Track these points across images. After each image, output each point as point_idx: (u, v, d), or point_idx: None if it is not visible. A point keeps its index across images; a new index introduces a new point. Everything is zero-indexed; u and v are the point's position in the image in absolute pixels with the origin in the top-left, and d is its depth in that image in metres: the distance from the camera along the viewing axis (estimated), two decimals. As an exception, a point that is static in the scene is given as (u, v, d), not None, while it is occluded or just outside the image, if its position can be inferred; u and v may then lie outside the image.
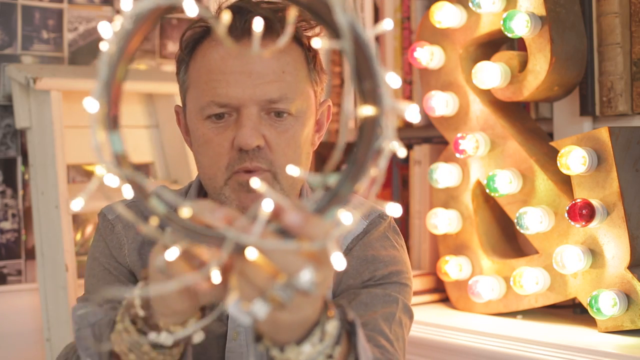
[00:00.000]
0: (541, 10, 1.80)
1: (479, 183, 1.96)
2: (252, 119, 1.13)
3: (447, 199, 2.02)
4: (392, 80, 0.75)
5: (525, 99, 1.88)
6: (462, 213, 2.00)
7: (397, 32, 2.27)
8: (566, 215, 1.70)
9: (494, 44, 2.01)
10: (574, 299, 1.81)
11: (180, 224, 0.78)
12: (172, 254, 0.80)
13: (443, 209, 2.00)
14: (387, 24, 0.77)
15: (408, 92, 2.26)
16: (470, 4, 1.88)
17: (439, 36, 2.01)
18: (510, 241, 2.03)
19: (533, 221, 1.78)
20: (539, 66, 1.81)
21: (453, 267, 1.98)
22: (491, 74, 1.86)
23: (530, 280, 1.81)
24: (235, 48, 0.78)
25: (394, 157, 2.26)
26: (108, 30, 0.76)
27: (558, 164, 1.74)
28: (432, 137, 2.24)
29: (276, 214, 0.76)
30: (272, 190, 0.76)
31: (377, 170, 0.76)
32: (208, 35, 1.18)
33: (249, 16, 1.12)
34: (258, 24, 0.77)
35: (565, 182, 1.80)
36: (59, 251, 2.04)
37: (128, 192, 0.77)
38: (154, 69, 2.42)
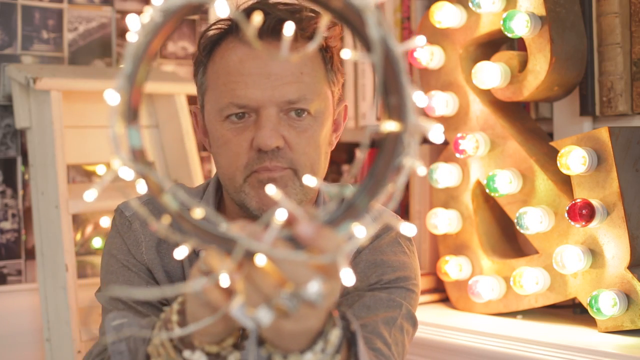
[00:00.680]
0: (541, 10, 1.80)
1: (479, 183, 1.96)
2: (271, 119, 1.13)
3: (447, 199, 2.02)
4: (418, 98, 0.75)
5: (525, 99, 1.88)
6: (462, 213, 1.99)
7: (396, 32, 2.27)
8: (566, 215, 1.70)
9: (493, 44, 2.00)
10: (574, 299, 1.80)
11: (192, 223, 0.77)
12: (210, 281, 0.79)
13: (443, 209, 2.00)
14: (420, 41, 0.77)
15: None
16: (470, 4, 1.88)
17: (438, 36, 2.01)
18: (510, 241, 2.03)
19: (533, 221, 1.78)
20: (539, 66, 1.81)
21: (453, 267, 1.98)
22: (491, 74, 1.86)
23: (530, 280, 1.81)
24: (263, 50, 0.78)
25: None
26: (136, 23, 0.76)
27: (558, 164, 1.74)
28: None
29: (289, 222, 0.76)
30: (287, 199, 0.76)
31: (395, 187, 0.75)
32: (226, 37, 1.18)
33: (267, 18, 1.12)
34: (289, 29, 0.76)
35: (565, 182, 1.80)
36: (59, 251, 2.04)
37: (142, 188, 0.77)
38: (154, 69, 2.42)
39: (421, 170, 0.75)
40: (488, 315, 1.92)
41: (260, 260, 0.75)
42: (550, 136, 2.00)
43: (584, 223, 1.69)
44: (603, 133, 1.70)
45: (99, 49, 2.35)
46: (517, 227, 1.82)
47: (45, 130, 2.06)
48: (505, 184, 1.85)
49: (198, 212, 0.77)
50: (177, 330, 0.88)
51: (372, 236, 1.22)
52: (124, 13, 2.38)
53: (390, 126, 0.75)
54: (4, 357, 2.15)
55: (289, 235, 0.76)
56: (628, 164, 1.71)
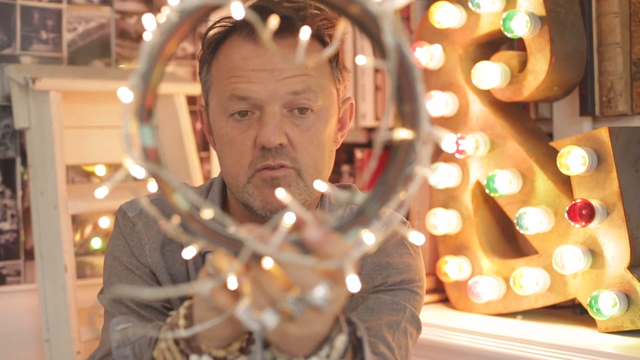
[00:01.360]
0: (541, 10, 1.80)
1: (478, 183, 1.96)
2: (274, 117, 1.12)
3: (447, 199, 2.02)
4: (432, 106, 0.75)
5: (525, 99, 1.88)
6: (462, 213, 1.99)
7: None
8: (566, 215, 1.70)
9: (493, 44, 2.00)
10: (573, 300, 1.80)
11: (201, 224, 0.77)
12: (218, 284, 0.79)
13: (443, 209, 2.00)
14: (436, 49, 0.77)
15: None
16: (469, 4, 1.88)
17: (438, 36, 2.01)
18: (510, 241, 2.03)
19: (533, 221, 1.78)
20: (539, 66, 1.81)
21: (453, 268, 1.98)
22: (491, 74, 1.86)
23: (530, 281, 1.81)
24: (277, 52, 0.77)
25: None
26: (152, 22, 0.76)
27: (558, 164, 1.74)
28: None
29: (298, 226, 0.76)
30: (297, 201, 0.75)
31: (406, 195, 0.75)
32: (230, 35, 1.17)
33: (271, 15, 1.12)
34: (305, 33, 0.76)
35: (565, 183, 1.80)
36: (58, 252, 2.03)
37: (153, 187, 0.76)
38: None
39: (433, 180, 0.76)
40: (488, 316, 1.92)
41: (268, 263, 0.75)
42: (550, 136, 2.00)
43: (583, 223, 1.69)
44: (603, 133, 1.69)
45: (98, 50, 2.34)
46: (517, 228, 1.81)
47: (45, 130, 2.06)
48: (505, 184, 1.84)
49: (207, 213, 0.77)
50: (183, 331, 0.87)
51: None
52: (123, 13, 2.38)
53: (403, 134, 0.75)
54: (3, 357, 2.15)
55: (298, 239, 0.76)
56: (628, 164, 1.70)
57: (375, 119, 2.35)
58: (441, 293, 2.10)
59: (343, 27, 0.77)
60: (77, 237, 2.28)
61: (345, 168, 2.52)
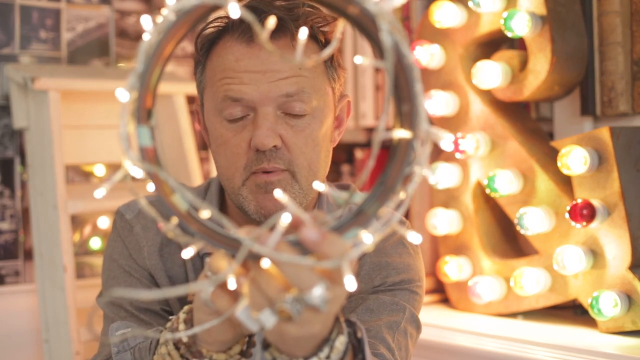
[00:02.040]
0: (542, 10, 1.79)
1: (479, 183, 1.96)
2: (268, 118, 1.12)
3: (447, 199, 2.01)
4: (430, 106, 0.75)
5: (526, 99, 1.88)
6: (463, 213, 1.99)
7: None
8: (567, 215, 1.70)
9: (494, 44, 2.00)
10: (574, 300, 1.80)
11: (199, 225, 0.77)
12: (218, 288, 0.79)
13: (443, 209, 2.00)
14: (435, 48, 0.77)
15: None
16: (470, 3, 1.88)
17: (438, 36, 2.00)
18: (510, 242, 2.02)
19: (533, 221, 1.78)
20: (540, 66, 1.81)
21: (453, 268, 1.97)
22: (491, 73, 1.85)
23: (531, 281, 1.80)
24: (277, 52, 0.77)
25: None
26: (149, 23, 0.76)
27: (559, 164, 1.73)
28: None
29: (295, 226, 0.75)
30: (293, 203, 0.75)
31: (405, 194, 0.75)
32: (223, 35, 1.17)
33: (263, 15, 1.11)
34: (302, 34, 0.76)
35: (565, 182, 1.79)
36: (57, 252, 2.03)
37: (151, 187, 0.76)
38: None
39: (432, 179, 0.75)
40: (488, 316, 1.92)
41: (265, 263, 0.74)
42: (551, 136, 2.00)
43: (584, 223, 1.68)
44: (604, 133, 1.69)
45: (97, 49, 2.34)
46: (518, 228, 1.81)
47: (44, 130, 2.05)
48: (506, 184, 1.84)
49: (205, 214, 0.76)
50: (182, 333, 0.87)
51: None
52: (122, 13, 2.38)
53: (401, 134, 0.74)
54: (2, 357, 2.15)
55: (296, 240, 0.75)
56: (629, 164, 1.70)
57: (375, 118, 2.34)
58: (441, 293, 2.09)
59: (341, 28, 0.77)
60: (76, 237, 2.27)
61: (345, 168, 2.51)
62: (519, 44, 2.02)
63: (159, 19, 0.76)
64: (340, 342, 0.83)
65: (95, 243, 2.31)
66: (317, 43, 1.18)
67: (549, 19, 1.79)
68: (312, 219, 0.76)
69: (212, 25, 1.18)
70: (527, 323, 1.85)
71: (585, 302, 1.73)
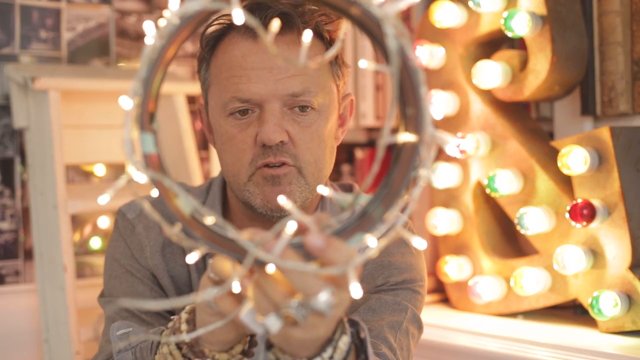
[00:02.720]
0: (542, 10, 1.79)
1: (479, 183, 1.95)
2: (275, 114, 1.12)
3: (448, 199, 2.01)
4: (435, 109, 0.74)
5: (526, 99, 1.88)
6: (463, 213, 1.99)
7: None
8: (567, 215, 1.69)
9: (494, 44, 2.00)
10: (574, 300, 1.80)
11: (204, 229, 0.77)
12: (222, 291, 0.79)
13: (443, 209, 2.00)
14: (439, 51, 0.77)
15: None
16: (470, 3, 1.88)
17: (439, 35, 2.00)
18: (510, 241, 2.02)
19: (534, 221, 1.78)
20: (540, 65, 1.81)
21: (453, 268, 1.97)
22: (491, 73, 1.85)
23: (531, 281, 1.80)
24: (281, 55, 0.77)
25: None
26: (152, 28, 0.75)
27: (559, 164, 1.73)
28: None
29: (300, 230, 0.75)
30: (298, 209, 0.75)
31: (410, 198, 0.75)
32: (228, 32, 1.17)
33: (269, 12, 1.11)
34: (307, 36, 0.76)
35: (566, 182, 1.79)
36: (58, 252, 2.03)
37: (155, 193, 0.76)
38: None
39: (436, 183, 0.76)
40: (488, 316, 1.92)
41: (271, 268, 0.74)
42: (551, 136, 2.00)
43: (585, 223, 1.68)
44: (604, 133, 1.69)
45: (98, 49, 2.34)
46: (518, 227, 1.81)
47: (44, 130, 2.05)
48: (506, 184, 1.84)
49: (210, 219, 0.76)
50: (185, 335, 0.87)
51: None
52: (122, 13, 2.38)
53: (406, 137, 0.74)
54: (2, 357, 2.14)
55: (300, 243, 0.75)
56: (629, 164, 1.70)
57: (376, 118, 2.34)
58: (441, 293, 2.09)
59: (345, 28, 0.77)
60: (77, 237, 2.27)
61: (345, 168, 2.51)
62: (519, 43, 2.02)
63: (162, 23, 0.76)
64: (344, 342, 0.83)
65: (96, 243, 2.31)
66: (322, 41, 1.18)
67: (549, 19, 1.78)
68: (315, 222, 0.76)
69: (217, 22, 1.18)
70: (527, 323, 1.85)
71: (586, 302, 1.73)
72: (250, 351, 0.92)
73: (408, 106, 0.74)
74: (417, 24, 2.11)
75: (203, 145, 2.49)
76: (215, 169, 2.42)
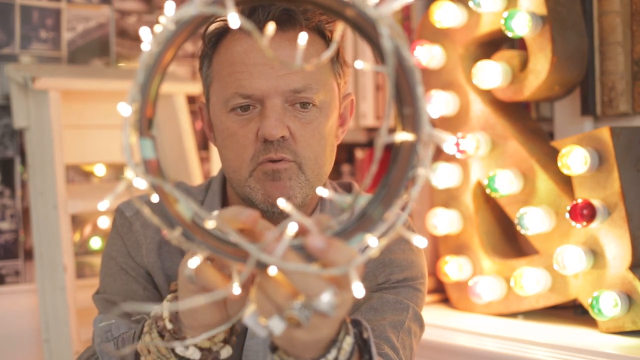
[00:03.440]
0: (542, 10, 1.79)
1: (479, 183, 1.95)
2: (276, 110, 1.12)
3: (448, 199, 2.01)
4: (432, 108, 0.74)
5: (526, 99, 1.88)
6: (463, 213, 1.99)
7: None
8: (567, 215, 1.69)
9: (494, 44, 2.00)
10: (574, 300, 1.80)
11: (204, 233, 0.77)
12: (202, 262, 0.79)
13: (443, 209, 2.00)
14: (437, 50, 0.77)
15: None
16: (470, 3, 1.88)
17: (439, 36, 2.00)
18: (510, 241, 2.02)
19: (534, 221, 1.78)
20: (540, 66, 1.81)
21: (453, 268, 1.97)
22: (492, 73, 1.85)
23: (531, 281, 1.80)
24: (276, 58, 0.77)
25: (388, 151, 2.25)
26: (148, 34, 0.76)
27: (559, 164, 1.73)
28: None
29: (300, 231, 0.75)
30: (298, 211, 0.75)
31: (408, 198, 0.75)
32: (231, 29, 1.17)
33: (271, 9, 1.11)
34: (302, 39, 0.76)
35: (566, 182, 1.79)
36: (58, 252, 2.03)
37: (155, 199, 0.76)
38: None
39: (435, 182, 0.76)
40: (489, 316, 1.92)
41: (273, 270, 0.74)
42: (551, 136, 2.00)
43: (585, 223, 1.68)
44: (604, 133, 1.69)
45: (98, 49, 2.34)
46: (518, 228, 1.81)
47: (44, 130, 2.05)
48: (506, 184, 1.84)
49: (211, 224, 0.76)
50: (167, 304, 0.87)
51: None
52: (122, 13, 2.38)
53: (404, 137, 0.74)
54: (2, 357, 2.15)
55: (300, 244, 0.75)
56: (629, 164, 1.70)
57: (375, 118, 2.34)
58: (442, 293, 2.09)
59: (341, 29, 0.77)
60: (77, 237, 2.27)
61: (345, 168, 2.51)
62: (519, 44, 2.02)
63: (158, 29, 0.76)
64: (347, 343, 0.83)
65: (96, 243, 2.31)
66: (324, 38, 1.18)
67: (550, 19, 1.78)
68: (316, 224, 0.76)
69: (219, 19, 1.18)
70: (527, 323, 1.85)
71: (586, 302, 1.73)
72: (232, 339, 0.92)
73: (405, 106, 0.74)
74: (417, 24, 2.11)
75: (203, 145, 2.49)
76: (215, 169, 2.42)
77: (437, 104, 1.97)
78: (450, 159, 1.98)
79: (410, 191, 0.75)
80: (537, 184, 1.83)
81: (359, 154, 2.44)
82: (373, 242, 0.75)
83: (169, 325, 0.90)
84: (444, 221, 1.98)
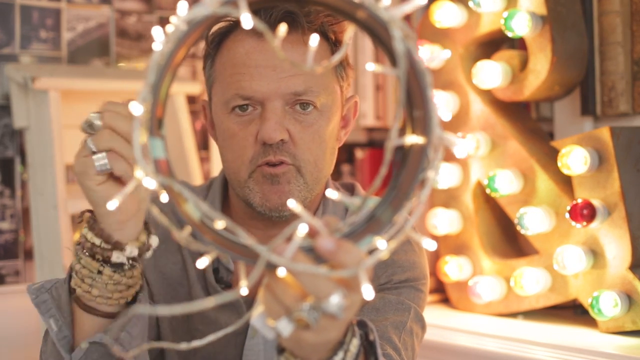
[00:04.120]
0: (542, 10, 1.79)
1: (479, 183, 1.95)
2: (276, 112, 1.12)
3: (448, 199, 2.01)
4: (443, 111, 0.74)
5: (526, 99, 1.88)
6: (463, 213, 1.99)
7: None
8: (567, 215, 1.69)
9: (494, 44, 2.00)
10: (574, 300, 1.80)
11: (213, 233, 0.77)
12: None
13: (443, 209, 2.00)
14: (445, 54, 0.77)
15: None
16: (470, 3, 1.88)
17: (439, 35, 2.00)
18: (510, 241, 2.02)
19: (534, 221, 1.78)
20: (540, 65, 1.80)
21: (453, 268, 1.97)
22: (492, 73, 1.85)
23: (531, 281, 1.80)
24: (286, 58, 0.77)
25: (394, 155, 2.25)
26: (160, 33, 0.76)
27: (559, 164, 1.73)
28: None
29: (310, 233, 0.75)
30: (307, 213, 0.75)
31: (418, 201, 0.75)
32: (234, 29, 1.17)
33: (274, 12, 1.11)
34: (314, 40, 0.76)
35: (566, 182, 1.79)
36: (58, 252, 2.03)
37: (165, 198, 0.77)
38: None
39: (440, 184, 0.76)
40: (489, 316, 1.92)
41: (281, 272, 0.74)
42: (551, 136, 2.00)
43: (585, 223, 1.68)
44: (604, 133, 1.69)
45: (98, 49, 2.34)
46: (518, 228, 1.81)
47: (44, 130, 2.05)
48: (506, 184, 1.84)
49: (220, 224, 0.76)
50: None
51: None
52: (122, 12, 2.38)
53: (414, 139, 0.74)
54: (2, 357, 2.15)
55: (310, 246, 0.75)
56: (629, 164, 1.70)
57: (376, 118, 2.34)
58: (442, 293, 2.09)
59: (351, 33, 0.77)
60: (77, 237, 2.27)
61: (345, 168, 2.51)
62: (519, 43, 2.02)
63: (170, 29, 0.76)
64: (354, 345, 0.83)
65: (96, 243, 2.31)
66: (327, 41, 1.18)
67: (549, 19, 1.78)
68: (324, 226, 0.76)
69: (222, 19, 1.18)
70: (527, 323, 1.85)
71: (586, 302, 1.73)
72: (150, 229, 0.99)
73: (415, 108, 0.74)
74: (417, 24, 2.11)
75: (203, 145, 2.49)
76: (216, 169, 2.42)
77: (445, 105, 1.97)
78: (451, 158, 1.98)
79: (419, 194, 0.75)
80: (537, 184, 1.83)
81: (359, 154, 2.44)
82: (382, 244, 0.75)
83: (97, 241, 0.96)
84: (444, 221, 1.98)
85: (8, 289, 2.17)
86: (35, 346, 2.15)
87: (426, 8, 2.03)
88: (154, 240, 0.98)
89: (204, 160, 2.49)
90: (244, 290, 0.76)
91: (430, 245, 0.77)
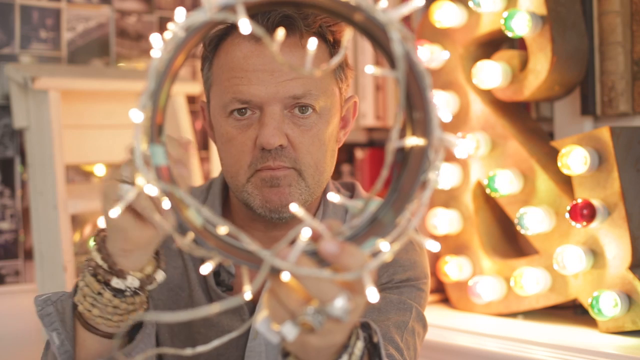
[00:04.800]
0: (542, 10, 1.79)
1: (479, 183, 1.95)
2: (274, 117, 1.12)
3: (448, 199, 2.01)
4: (443, 113, 0.74)
5: (526, 99, 1.88)
6: (463, 213, 1.99)
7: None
8: (567, 215, 1.69)
9: (494, 43, 2.00)
10: (574, 300, 1.80)
11: (216, 239, 0.77)
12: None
13: (443, 209, 2.00)
14: (444, 55, 0.77)
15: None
16: (470, 3, 1.87)
17: (439, 35, 2.00)
18: (510, 241, 2.02)
19: (534, 221, 1.78)
20: (540, 65, 1.80)
21: (453, 268, 1.97)
22: (492, 73, 1.85)
23: (531, 281, 1.80)
24: (285, 62, 0.77)
25: (395, 157, 2.25)
26: (158, 40, 0.75)
27: (559, 164, 1.73)
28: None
29: (313, 237, 0.75)
30: (310, 216, 0.75)
31: (419, 202, 0.75)
32: (231, 32, 1.16)
33: (272, 15, 1.11)
34: (312, 44, 0.76)
35: (566, 182, 1.79)
36: (58, 252, 2.03)
37: (167, 205, 0.77)
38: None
39: (442, 185, 0.76)
40: (489, 316, 1.92)
41: (285, 276, 0.74)
42: (551, 136, 2.00)
43: (585, 223, 1.68)
44: (604, 133, 1.69)
45: (98, 49, 2.34)
46: (518, 228, 1.81)
47: (44, 130, 2.05)
48: (506, 184, 1.84)
49: (223, 229, 0.76)
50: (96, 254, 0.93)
51: None
52: (122, 13, 2.38)
53: (414, 141, 0.74)
54: (2, 358, 2.15)
55: (313, 250, 0.75)
56: (629, 164, 1.70)
57: (376, 118, 2.34)
58: (442, 293, 2.09)
59: (349, 34, 0.76)
60: (77, 237, 2.27)
61: (345, 168, 2.51)
62: (519, 43, 2.02)
63: (168, 36, 0.76)
64: (358, 348, 0.83)
65: (96, 243, 2.31)
66: (325, 43, 1.17)
67: (549, 19, 1.78)
68: (327, 229, 0.76)
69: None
70: (527, 323, 1.85)
71: (586, 302, 1.73)
72: (160, 263, 0.98)
73: (415, 110, 0.74)
74: (417, 24, 2.11)
75: (203, 145, 2.49)
76: (215, 169, 2.42)
77: (445, 107, 1.97)
78: (451, 158, 1.98)
79: (420, 195, 0.75)
80: (537, 184, 1.83)
81: (359, 154, 2.44)
82: (385, 246, 0.75)
83: (101, 262, 0.95)
84: (443, 221, 1.98)
85: (8, 289, 2.17)
86: (35, 346, 2.16)
87: (426, 8, 2.03)
88: (160, 275, 0.98)
89: (204, 160, 2.49)
90: (247, 295, 0.76)
91: (433, 246, 0.77)
